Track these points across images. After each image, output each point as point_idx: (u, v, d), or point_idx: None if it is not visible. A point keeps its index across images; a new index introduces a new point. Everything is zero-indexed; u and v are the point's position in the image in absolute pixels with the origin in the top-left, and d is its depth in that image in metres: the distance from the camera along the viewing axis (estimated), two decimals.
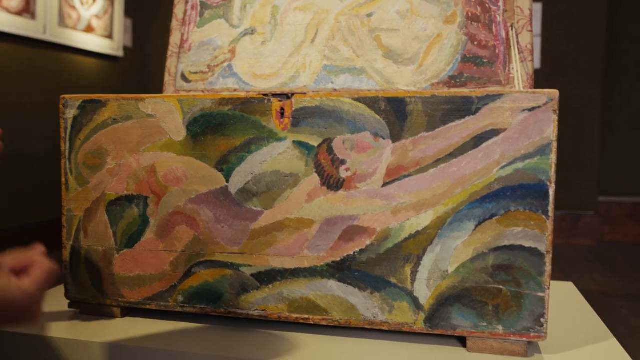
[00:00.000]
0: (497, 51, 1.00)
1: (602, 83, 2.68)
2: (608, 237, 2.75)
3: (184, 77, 1.14)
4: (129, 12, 2.97)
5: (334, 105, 0.74)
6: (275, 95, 0.76)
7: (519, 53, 0.98)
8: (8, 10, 2.15)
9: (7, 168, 2.18)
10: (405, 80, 1.02)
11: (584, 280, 2.13)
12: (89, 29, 2.64)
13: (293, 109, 0.76)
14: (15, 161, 2.20)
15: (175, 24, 1.16)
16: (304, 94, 0.75)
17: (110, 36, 2.80)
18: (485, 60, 1.00)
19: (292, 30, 1.10)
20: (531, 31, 0.98)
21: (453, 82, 1.00)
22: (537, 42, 2.68)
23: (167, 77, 1.15)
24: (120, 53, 2.88)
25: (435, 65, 1.02)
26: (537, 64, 2.69)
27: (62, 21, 2.46)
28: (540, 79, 2.71)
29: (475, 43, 1.00)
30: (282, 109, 0.76)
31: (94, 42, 2.67)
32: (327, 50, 1.08)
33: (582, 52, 2.66)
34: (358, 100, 0.73)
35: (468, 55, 1.01)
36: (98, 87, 2.72)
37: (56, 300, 0.94)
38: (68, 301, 0.88)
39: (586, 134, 2.69)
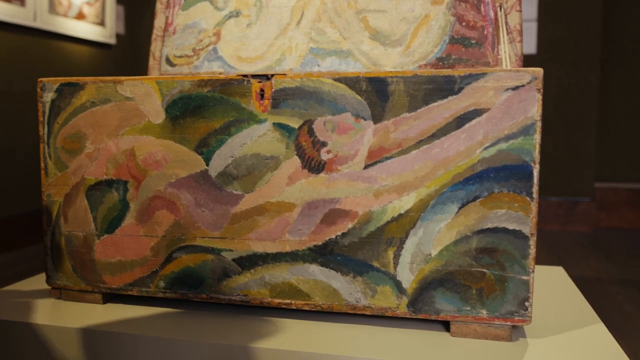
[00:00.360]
0: (485, 32, 0.98)
1: (600, 68, 2.66)
2: (604, 223, 2.74)
3: (168, 61, 1.12)
4: None
5: (314, 86, 0.72)
6: (254, 76, 0.74)
7: (508, 34, 0.96)
8: None
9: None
10: (392, 62, 1.00)
11: (579, 266, 2.12)
12: (80, 16, 2.61)
13: (273, 90, 0.74)
14: (5, 149, 2.19)
15: (159, 6, 1.14)
16: (284, 74, 0.74)
17: (102, 23, 2.77)
18: (473, 42, 0.98)
19: (278, 12, 1.08)
20: (520, 11, 0.96)
21: (441, 64, 0.98)
22: (533, 27, 2.65)
23: (151, 61, 1.13)
24: (112, 40, 2.85)
25: (423, 47, 1.00)
26: (533, 50, 2.66)
27: (52, 8, 2.43)
28: (536, 65, 2.68)
29: (464, 24, 0.98)
30: (262, 90, 0.74)
31: (86, 30, 2.64)
32: (313, 33, 1.06)
33: (579, 37, 2.63)
34: (339, 80, 0.72)
35: (456, 37, 0.99)
36: (90, 75, 2.69)
37: (38, 286, 0.93)
38: (49, 287, 0.87)
39: (583, 120, 2.67)
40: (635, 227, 2.72)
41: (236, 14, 1.10)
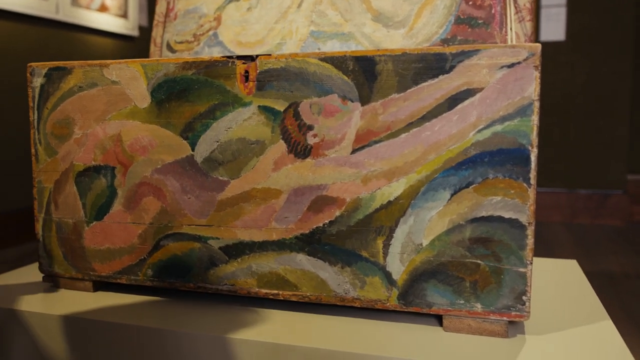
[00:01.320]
0: (493, 11, 0.92)
1: (632, 57, 2.53)
2: (638, 216, 2.62)
3: (169, 47, 1.10)
4: None
5: (299, 67, 0.69)
6: (239, 57, 0.71)
7: (517, 12, 0.90)
8: None
9: (17, 149, 2.19)
10: (395, 45, 0.96)
11: (607, 260, 2.03)
12: (103, 8, 2.63)
13: (257, 71, 0.71)
14: (27, 143, 2.22)
15: None
16: (269, 55, 0.70)
17: (125, 15, 2.78)
18: (480, 22, 0.93)
19: None
20: None
21: (446, 45, 0.93)
22: (562, 12, 2.54)
23: (152, 48, 1.12)
24: (135, 32, 2.86)
25: (427, 28, 0.95)
26: (562, 37, 2.55)
27: (74, 0, 2.45)
28: (564, 53, 2.58)
29: (470, 3, 0.93)
30: (247, 71, 0.71)
31: (108, 22, 2.66)
32: (314, 15, 1.02)
33: (610, 23, 2.51)
34: (324, 60, 0.68)
35: (462, 17, 0.94)
36: None
37: (31, 273, 0.93)
38: (42, 275, 0.87)
39: (614, 109, 2.55)
40: None
41: None
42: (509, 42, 0.86)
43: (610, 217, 2.59)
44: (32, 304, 0.80)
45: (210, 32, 1.07)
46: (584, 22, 2.54)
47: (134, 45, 2.90)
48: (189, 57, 0.74)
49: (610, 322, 0.71)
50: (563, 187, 2.64)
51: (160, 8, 1.12)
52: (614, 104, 2.55)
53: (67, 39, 2.42)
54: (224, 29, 1.06)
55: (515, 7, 0.90)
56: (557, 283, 0.87)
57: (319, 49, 1.00)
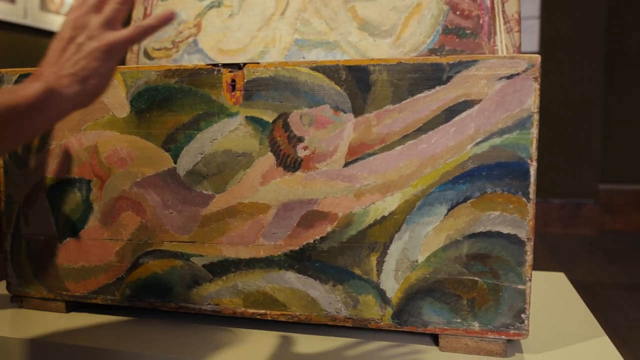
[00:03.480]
0: (481, 21, 0.91)
1: (604, 67, 2.59)
2: (609, 226, 2.66)
3: (146, 54, 1.06)
4: None
5: (289, 76, 0.66)
6: (225, 65, 0.68)
7: (505, 23, 0.89)
8: None
9: None
10: (382, 55, 0.94)
11: (582, 271, 2.05)
12: None
13: (245, 80, 0.68)
14: None
15: None
16: (257, 63, 0.67)
17: None
18: (468, 32, 0.91)
19: (261, 1, 1.01)
20: None
21: (440, 55, 0.92)
22: (536, 23, 2.58)
23: (128, 55, 1.07)
24: None
25: (414, 38, 0.93)
26: (536, 47, 2.59)
27: (43, 5, 2.38)
28: None
29: (458, 13, 0.92)
30: (233, 80, 0.68)
31: None
32: (299, 23, 0.99)
33: (583, 34, 2.56)
34: (316, 69, 0.65)
35: (450, 27, 0.92)
36: None
37: None
38: (10, 295, 0.81)
39: (587, 119, 2.60)
40: None
41: (218, 3, 1.04)
42: (500, 53, 0.85)
43: (582, 226, 2.63)
44: (2, 328, 0.74)
45: (190, 39, 1.04)
46: (556, 33, 2.58)
47: None
48: (171, 65, 0.70)
49: (607, 338, 0.69)
50: (536, 197, 2.67)
51: (137, 13, 1.07)
52: (586, 114, 2.59)
53: (35, 45, 2.34)
54: (204, 35, 1.03)
55: (504, 18, 0.89)
56: (547, 297, 0.85)
57: (303, 57, 0.97)
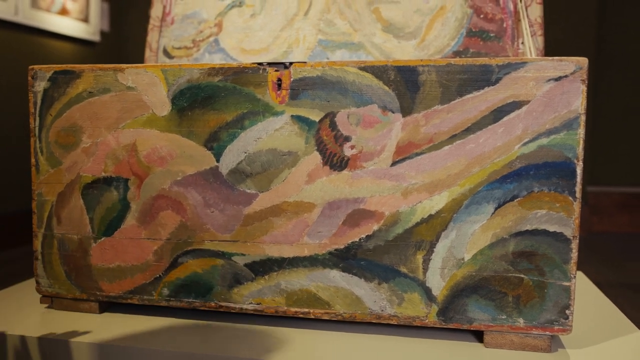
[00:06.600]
0: (504, 25, 0.93)
1: (592, 71, 2.65)
2: (597, 227, 2.72)
3: (166, 53, 1.05)
4: None
5: (337, 76, 0.67)
6: (271, 64, 0.68)
7: (530, 26, 0.91)
8: None
9: None
10: (407, 56, 0.95)
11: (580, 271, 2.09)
12: (64, 12, 2.51)
13: (291, 79, 0.68)
14: None
15: None
16: (304, 62, 0.68)
17: (86, 19, 2.67)
18: (492, 35, 0.93)
19: (284, 2, 1.01)
20: (541, 4, 0.92)
21: (458, 58, 0.93)
22: None
23: (147, 53, 1.06)
24: (96, 37, 2.75)
25: (439, 40, 0.95)
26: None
27: (34, 2, 2.33)
28: None
29: (481, 16, 0.94)
30: (279, 79, 0.68)
31: (69, 26, 2.55)
32: (322, 24, 1.00)
33: (572, 40, 2.62)
34: (364, 69, 0.66)
35: (474, 30, 0.94)
36: None
37: (26, 294, 0.85)
38: (40, 295, 0.80)
39: None
40: (628, 231, 2.71)
41: (239, 3, 1.04)
42: (528, 56, 0.87)
43: None
44: (29, 328, 0.73)
45: (211, 39, 1.03)
46: (546, 38, 2.63)
47: (95, 50, 2.79)
48: (216, 63, 0.70)
49: None
50: None
51: (155, 12, 1.07)
52: None
53: (26, 42, 2.29)
54: (225, 35, 1.03)
55: (528, 22, 0.91)
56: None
57: (327, 58, 0.97)
